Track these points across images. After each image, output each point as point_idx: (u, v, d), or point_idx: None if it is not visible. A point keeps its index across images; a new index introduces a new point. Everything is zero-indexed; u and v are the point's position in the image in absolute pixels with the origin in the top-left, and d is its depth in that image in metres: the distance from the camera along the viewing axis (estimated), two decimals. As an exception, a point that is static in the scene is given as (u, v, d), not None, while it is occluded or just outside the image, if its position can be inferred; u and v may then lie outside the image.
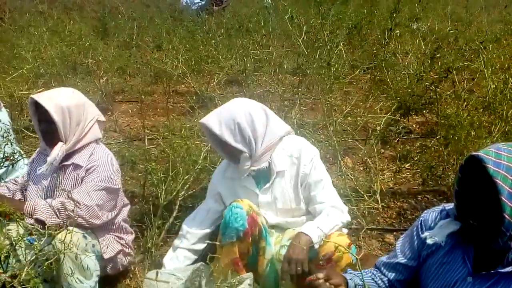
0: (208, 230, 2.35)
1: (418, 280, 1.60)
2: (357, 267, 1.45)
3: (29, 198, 2.34)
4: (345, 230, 2.17)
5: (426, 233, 1.50)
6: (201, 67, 5.67)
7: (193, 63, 5.55)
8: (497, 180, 1.25)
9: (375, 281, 1.64)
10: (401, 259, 1.62)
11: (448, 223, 1.46)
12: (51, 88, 2.48)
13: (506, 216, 1.26)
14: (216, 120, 2.09)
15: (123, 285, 2.61)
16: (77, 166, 2.29)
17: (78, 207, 2.14)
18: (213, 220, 2.36)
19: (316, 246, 1.90)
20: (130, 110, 5.36)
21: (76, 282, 2.09)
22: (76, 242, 2.08)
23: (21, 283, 1.40)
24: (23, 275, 1.39)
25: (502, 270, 1.32)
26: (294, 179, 2.14)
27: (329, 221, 1.98)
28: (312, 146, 2.22)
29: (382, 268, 1.68)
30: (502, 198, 1.25)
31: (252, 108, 2.13)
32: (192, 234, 2.32)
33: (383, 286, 1.64)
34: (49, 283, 2.18)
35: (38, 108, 2.27)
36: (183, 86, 5.81)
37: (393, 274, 1.64)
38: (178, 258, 2.28)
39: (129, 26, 7.66)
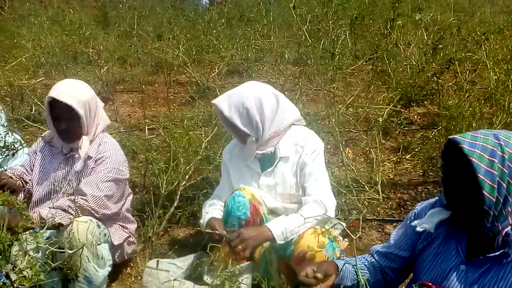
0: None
1: (413, 271, 1.62)
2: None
3: (36, 189, 2.36)
4: (342, 225, 2.17)
5: (415, 222, 1.52)
6: (202, 57, 5.66)
7: (194, 53, 5.54)
8: (472, 159, 1.28)
9: (367, 267, 1.67)
10: (394, 250, 1.65)
11: (438, 211, 1.48)
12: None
13: (486, 193, 1.28)
14: (227, 102, 2.12)
15: (124, 274, 2.63)
16: (87, 157, 2.29)
17: (85, 199, 2.15)
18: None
19: (280, 242, 1.93)
20: (131, 100, 5.36)
21: (92, 270, 2.12)
22: (92, 231, 2.10)
23: (22, 271, 1.41)
24: (25, 263, 1.39)
25: (492, 255, 1.34)
26: (296, 167, 2.16)
27: (301, 218, 1.96)
28: (318, 139, 2.23)
29: (375, 255, 1.71)
30: (480, 176, 1.27)
31: (262, 93, 2.14)
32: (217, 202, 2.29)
33: (375, 272, 1.66)
34: (60, 271, 2.20)
35: (55, 106, 2.22)
36: (184, 76, 5.80)
37: (386, 262, 1.67)
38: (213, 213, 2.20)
39: (129, 15, 7.63)
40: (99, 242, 2.14)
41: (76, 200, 2.14)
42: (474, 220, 1.36)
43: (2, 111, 3.01)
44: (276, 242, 1.93)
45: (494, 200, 1.28)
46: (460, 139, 1.33)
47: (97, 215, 2.19)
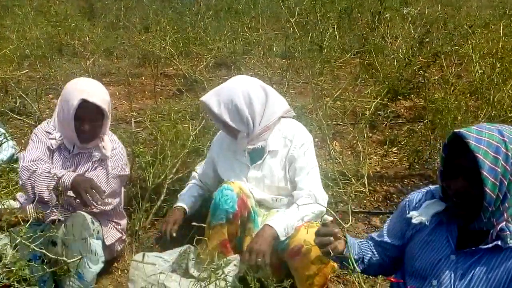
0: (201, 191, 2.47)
1: (404, 259, 1.63)
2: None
3: None
4: (329, 218, 2.19)
5: (411, 213, 1.52)
6: (190, 49, 5.62)
7: (181, 45, 5.49)
8: (478, 155, 1.28)
9: (371, 250, 1.68)
10: (387, 238, 1.66)
11: (433, 203, 1.49)
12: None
13: (487, 190, 1.28)
14: (215, 99, 2.11)
15: (111, 267, 2.62)
16: (103, 154, 2.26)
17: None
18: (204, 183, 2.47)
19: (282, 239, 1.94)
20: (117, 93, 5.30)
21: (86, 265, 2.11)
22: (88, 226, 2.09)
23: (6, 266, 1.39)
24: (8, 258, 1.38)
25: (485, 247, 1.35)
26: (284, 160, 2.17)
27: (299, 213, 2.00)
28: (307, 133, 2.24)
29: (371, 242, 1.72)
30: (483, 172, 1.27)
31: (251, 88, 2.13)
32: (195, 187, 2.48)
33: (377, 255, 1.67)
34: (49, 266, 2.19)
35: (81, 107, 2.13)
36: (171, 68, 5.75)
37: (381, 249, 1.68)
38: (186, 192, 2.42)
39: (116, 6, 7.54)
40: (95, 240, 2.14)
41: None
42: (470, 214, 1.37)
43: None
44: (279, 239, 1.94)
45: (494, 197, 1.28)
46: (466, 134, 1.32)
47: (96, 211, 2.17)
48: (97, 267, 2.17)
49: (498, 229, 1.32)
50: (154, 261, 1.96)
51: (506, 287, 1.30)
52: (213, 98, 2.12)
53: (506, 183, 1.28)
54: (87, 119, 2.15)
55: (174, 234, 2.18)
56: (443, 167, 1.42)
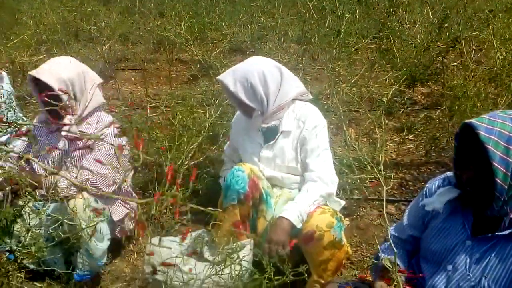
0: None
1: (420, 244, 1.63)
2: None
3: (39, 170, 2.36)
4: (342, 202, 2.20)
5: (424, 200, 1.53)
6: (205, 34, 5.59)
7: (196, 31, 5.47)
8: (488, 146, 1.27)
9: (406, 252, 1.68)
10: (410, 230, 1.66)
11: (447, 190, 1.49)
12: (54, 56, 2.44)
13: (498, 181, 1.27)
14: (232, 78, 2.15)
15: (126, 250, 2.67)
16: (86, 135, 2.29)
17: (93, 175, 2.19)
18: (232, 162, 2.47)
19: (299, 226, 1.96)
20: (132, 78, 5.33)
21: (92, 243, 2.17)
22: (90, 205, 2.11)
23: (26, 247, 1.42)
24: (27, 239, 1.40)
25: (500, 234, 1.35)
26: (296, 141, 2.20)
27: (308, 198, 2.03)
28: (321, 116, 2.25)
29: (395, 240, 1.72)
30: (494, 163, 1.27)
31: (266, 67, 2.16)
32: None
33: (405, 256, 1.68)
34: (61, 245, 2.23)
35: (39, 83, 2.22)
36: (186, 54, 5.74)
37: (407, 246, 1.69)
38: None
39: (131, -9, 7.50)
40: (101, 218, 2.17)
41: (83, 178, 2.16)
42: (483, 202, 1.37)
43: (9, 84, 2.99)
44: (296, 228, 1.95)
45: (506, 187, 1.28)
46: (477, 124, 1.31)
47: (99, 193, 2.21)
48: (103, 244, 2.23)
49: (511, 216, 1.32)
50: (170, 245, 1.97)
51: None
52: (229, 77, 2.16)
53: None
54: (41, 95, 2.17)
55: None
56: (456, 156, 1.41)
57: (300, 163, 2.20)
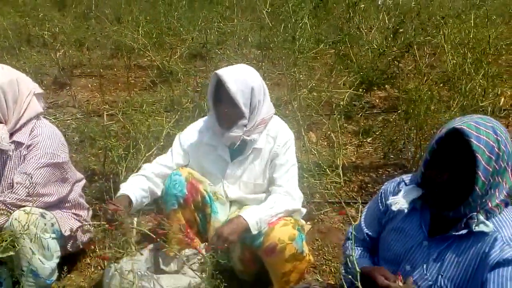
0: (167, 171, 2.18)
1: (378, 246, 1.65)
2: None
3: None
4: (303, 210, 2.18)
5: (390, 199, 1.53)
6: (163, 40, 5.51)
7: (154, 36, 5.38)
8: (478, 156, 1.28)
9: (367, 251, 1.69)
10: (367, 230, 1.68)
11: (411, 189, 1.50)
12: (5, 62, 2.32)
13: (477, 188, 1.30)
14: (233, 77, 1.98)
15: (83, 264, 2.56)
16: (18, 144, 2.16)
17: (14, 191, 2.06)
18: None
19: (254, 233, 1.92)
20: (89, 85, 5.17)
21: (38, 262, 2.05)
22: (35, 221, 2.01)
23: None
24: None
25: (456, 233, 1.37)
26: (267, 157, 2.13)
27: (273, 209, 1.99)
28: (289, 130, 2.20)
29: (355, 240, 1.72)
30: (478, 172, 1.28)
31: (259, 77, 2.08)
32: (150, 168, 2.20)
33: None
34: (6, 265, 2.12)
35: None
36: (145, 59, 5.64)
37: (364, 245, 1.70)
38: (133, 183, 2.12)
39: (87, -4, 7.33)
40: (49, 234, 2.07)
41: (2, 199, 2.04)
42: (448, 205, 1.38)
43: None
44: (251, 233, 1.91)
45: (480, 194, 1.31)
46: (468, 132, 1.30)
47: (32, 205, 2.08)
48: (52, 263, 2.13)
49: (469, 217, 1.35)
50: (128, 265, 1.89)
51: (476, 269, 1.34)
52: (230, 76, 1.98)
53: (492, 181, 1.30)
54: None
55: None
56: (431, 157, 1.41)
57: (267, 179, 2.15)
